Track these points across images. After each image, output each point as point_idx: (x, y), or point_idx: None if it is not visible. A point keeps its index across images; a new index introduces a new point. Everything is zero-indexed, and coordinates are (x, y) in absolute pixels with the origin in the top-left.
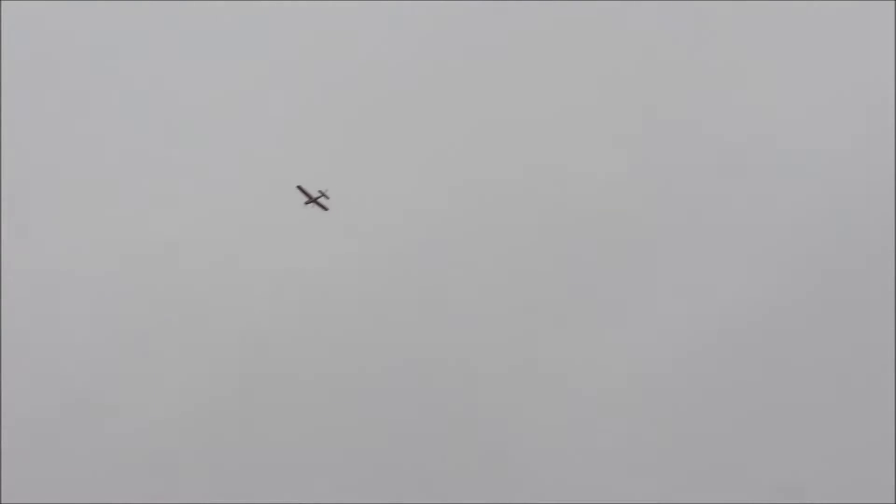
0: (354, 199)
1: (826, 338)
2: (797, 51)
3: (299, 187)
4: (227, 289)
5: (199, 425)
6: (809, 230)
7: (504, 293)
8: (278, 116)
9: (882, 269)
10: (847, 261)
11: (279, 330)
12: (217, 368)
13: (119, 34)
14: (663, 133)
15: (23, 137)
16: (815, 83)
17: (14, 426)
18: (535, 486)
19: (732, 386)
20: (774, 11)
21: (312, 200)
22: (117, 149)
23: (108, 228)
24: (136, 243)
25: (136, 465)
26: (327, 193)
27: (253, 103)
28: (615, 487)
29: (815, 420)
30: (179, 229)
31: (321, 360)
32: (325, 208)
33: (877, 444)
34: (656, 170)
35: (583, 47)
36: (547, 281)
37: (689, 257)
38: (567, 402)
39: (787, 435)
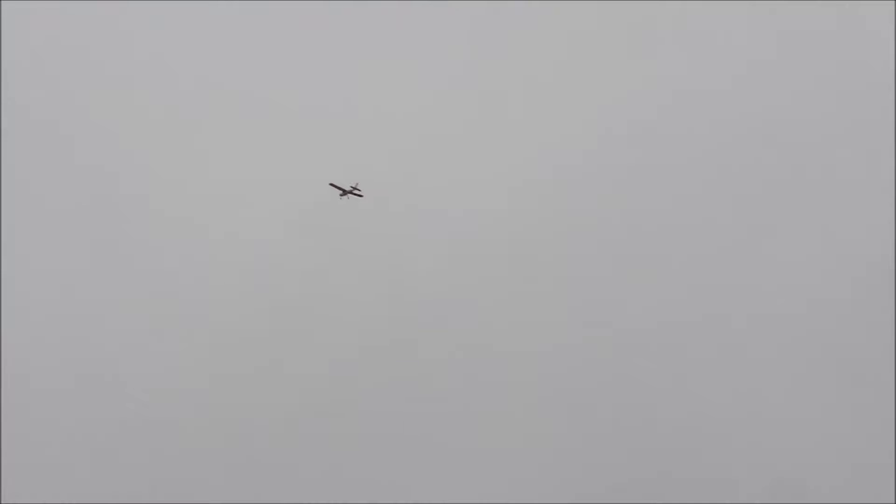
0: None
1: (824, 341)
2: None
3: (332, 184)
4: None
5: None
6: None
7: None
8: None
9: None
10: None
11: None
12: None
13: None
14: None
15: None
16: None
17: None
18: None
19: None
20: None
21: (347, 192)
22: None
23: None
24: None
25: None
26: (358, 187)
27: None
28: None
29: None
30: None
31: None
32: (360, 195)
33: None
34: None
35: None
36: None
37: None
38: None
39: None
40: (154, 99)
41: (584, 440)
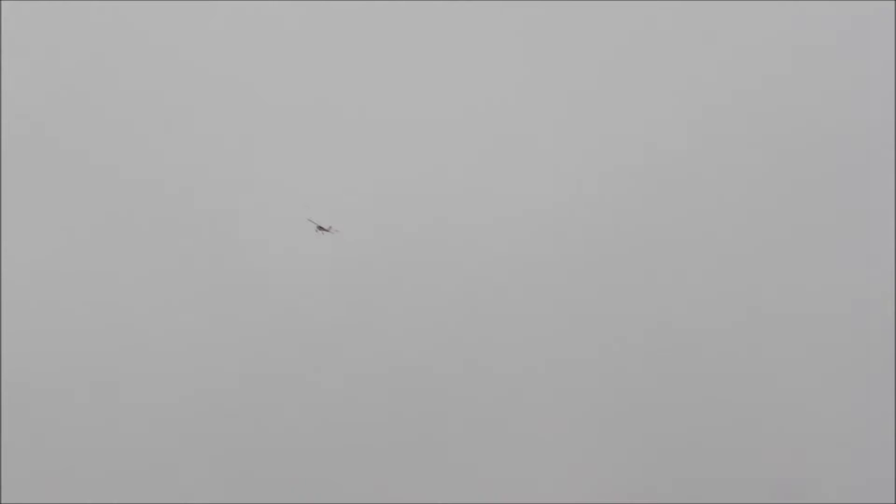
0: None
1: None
2: None
3: (309, 219)
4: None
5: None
6: None
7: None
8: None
9: None
10: None
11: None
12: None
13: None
14: None
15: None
16: None
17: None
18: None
19: None
20: None
21: (323, 230)
22: None
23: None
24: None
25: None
26: (334, 228)
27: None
28: None
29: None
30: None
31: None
32: (336, 231)
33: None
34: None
35: None
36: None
37: None
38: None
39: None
40: (180, 102)
41: (587, 440)
